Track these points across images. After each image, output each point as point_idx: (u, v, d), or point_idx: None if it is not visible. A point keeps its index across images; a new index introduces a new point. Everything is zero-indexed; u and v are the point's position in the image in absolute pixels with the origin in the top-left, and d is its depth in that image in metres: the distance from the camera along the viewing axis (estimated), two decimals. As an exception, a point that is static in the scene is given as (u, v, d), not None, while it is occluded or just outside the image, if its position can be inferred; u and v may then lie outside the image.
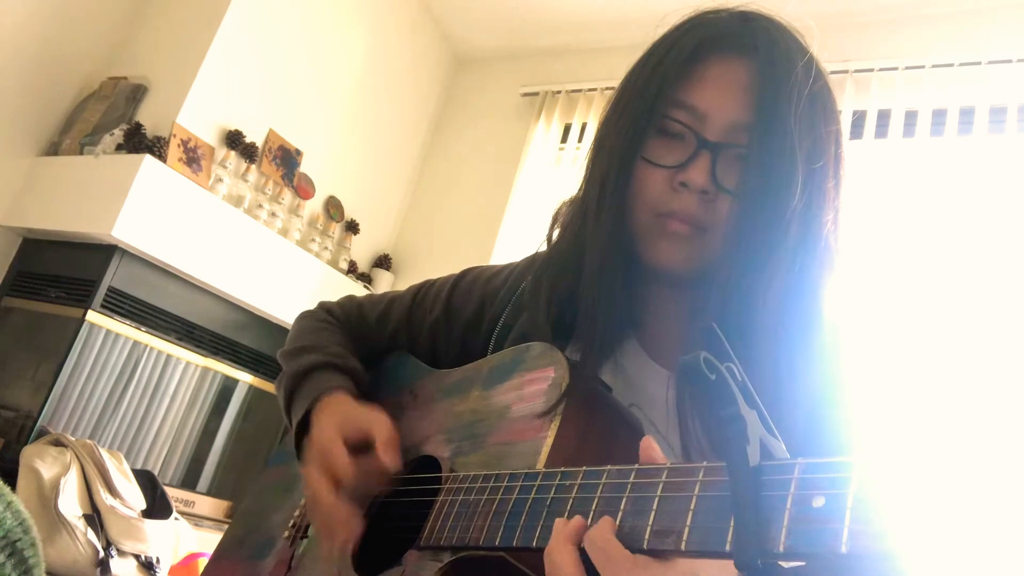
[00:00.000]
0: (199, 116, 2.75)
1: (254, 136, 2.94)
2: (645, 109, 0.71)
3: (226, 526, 1.00)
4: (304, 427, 0.83)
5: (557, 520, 0.50)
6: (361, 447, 0.75)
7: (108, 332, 2.57)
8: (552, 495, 0.53)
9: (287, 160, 3.11)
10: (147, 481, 2.40)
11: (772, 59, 0.69)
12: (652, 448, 0.50)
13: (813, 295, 0.70)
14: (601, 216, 0.72)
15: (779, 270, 0.67)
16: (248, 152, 2.89)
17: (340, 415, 0.79)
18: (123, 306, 2.60)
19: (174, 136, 2.63)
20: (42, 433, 2.37)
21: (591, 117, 3.33)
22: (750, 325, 0.66)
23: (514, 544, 0.53)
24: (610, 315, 0.72)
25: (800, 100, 0.68)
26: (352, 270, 3.40)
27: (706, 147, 0.68)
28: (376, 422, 0.76)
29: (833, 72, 2.82)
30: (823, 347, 0.69)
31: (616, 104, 0.76)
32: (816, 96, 0.70)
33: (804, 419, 0.65)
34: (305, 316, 1.01)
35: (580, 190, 0.79)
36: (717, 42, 0.71)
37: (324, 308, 1.01)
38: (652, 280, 0.76)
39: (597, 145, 0.77)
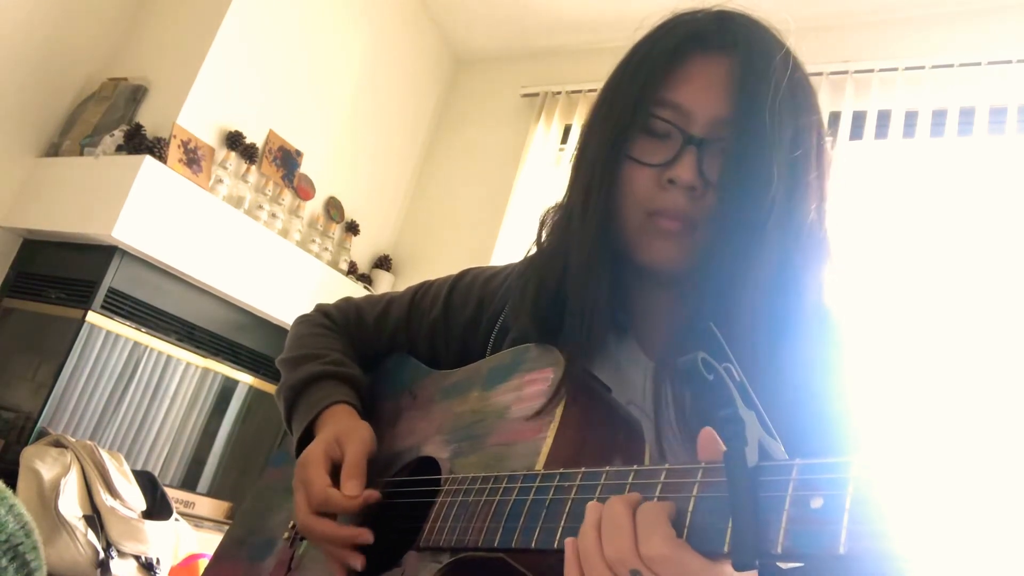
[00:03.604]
0: (199, 117, 2.75)
1: (254, 137, 2.94)
2: (629, 109, 0.72)
3: (226, 527, 1.00)
4: (307, 440, 0.84)
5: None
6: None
7: (108, 333, 2.57)
8: (551, 496, 0.53)
9: (287, 161, 3.11)
10: (147, 482, 2.40)
11: (751, 53, 0.70)
12: (714, 439, 0.46)
13: (798, 285, 0.70)
14: (587, 216, 0.73)
15: (759, 260, 0.67)
16: (248, 153, 2.90)
17: (331, 435, 0.79)
18: (123, 307, 2.60)
19: (174, 137, 2.63)
20: (42, 434, 2.37)
21: (591, 118, 3.32)
22: (733, 317, 0.65)
23: (513, 545, 0.54)
24: (597, 313, 0.72)
25: (778, 92, 0.68)
26: (352, 271, 3.40)
27: (692, 143, 0.69)
28: (353, 444, 0.76)
29: (833, 72, 2.82)
30: (814, 338, 0.69)
31: (599, 107, 0.77)
32: (795, 88, 0.70)
33: (790, 410, 0.65)
34: (302, 321, 1.00)
35: (566, 194, 0.79)
36: (697, 40, 0.72)
37: (322, 311, 1.01)
38: (645, 279, 0.76)
39: (582, 148, 0.78)
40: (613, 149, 0.72)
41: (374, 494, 0.73)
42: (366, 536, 0.70)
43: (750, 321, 0.66)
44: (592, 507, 0.48)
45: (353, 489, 0.73)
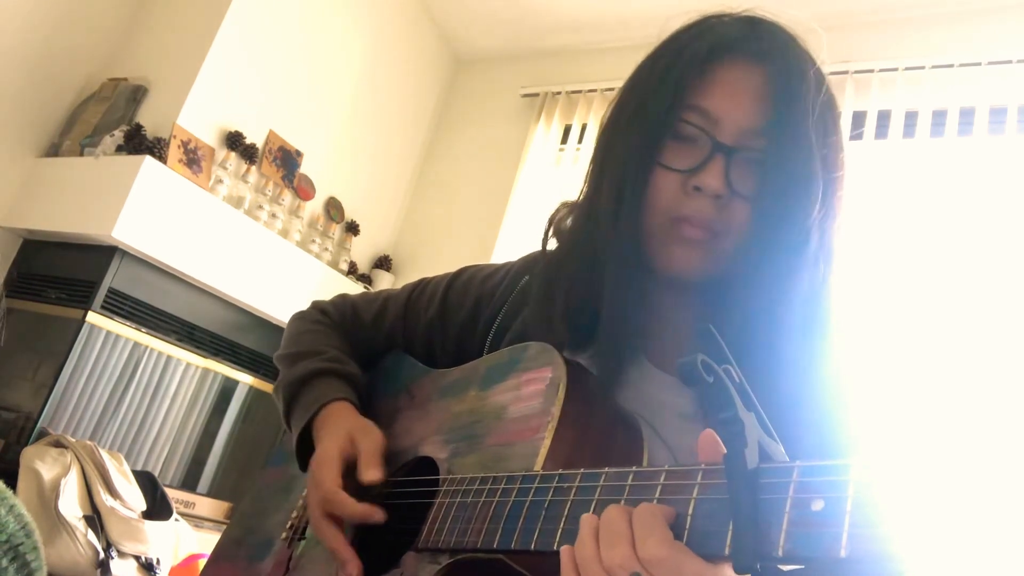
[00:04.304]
0: (199, 117, 2.75)
1: (254, 137, 2.94)
2: (661, 113, 0.70)
3: (226, 527, 1.00)
4: (305, 437, 0.83)
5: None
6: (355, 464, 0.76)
7: (108, 333, 2.57)
8: (550, 497, 0.53)
9: (287, 161, 3.11)
10: (147, 482, 2.40)
11: (787, 66, 0.70)
12: (715, 441, 0.46)
13: (829, 300, 0.70)
14: (619, 223, 0.71)
15: (800, 276, 0.67)
16: (248, 153, 2.89)
17: (344, 434, 0.78)
18: (123, 307, 2.59)
19: (174, 137, 2.63)
20: (42, 434, 2.37)
21: (591, 118, 3.32)
22: (771, 331, 0.65)
23: (512, 546, 0.53)
24: (632, 324, 0.72)
25: (815, 107, 0.68)
26: (352, 271, 3.40)
27: (721, 151, 0.68)
28: (364, 436, 0.77)
29: (833, 72, 2.79)
30: (835, 351, 0.69)
31: (624, 108, 0.76)
32: (826, 104, 0.70)
33: (819, 424, 0.65)
34: (299, 318, 1.00)
35: (585, 194, 0.78)
36: (728, 47, 0.71)
37: (318, 308, 1.00)
38: (662, 286, 0.76)
39: (606, 149, 0.76)
40: (644, 153, 0.71)
41: (379, 513, 0.72)
42: (354, 569, 0.70)
43: (785, 333, 0.66)
44: (587, 518, 0.48)
45: (375, 475, 0.73)
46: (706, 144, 0.69)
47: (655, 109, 0.71)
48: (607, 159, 0.76)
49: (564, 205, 0.81)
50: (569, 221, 0.80)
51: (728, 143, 0.68)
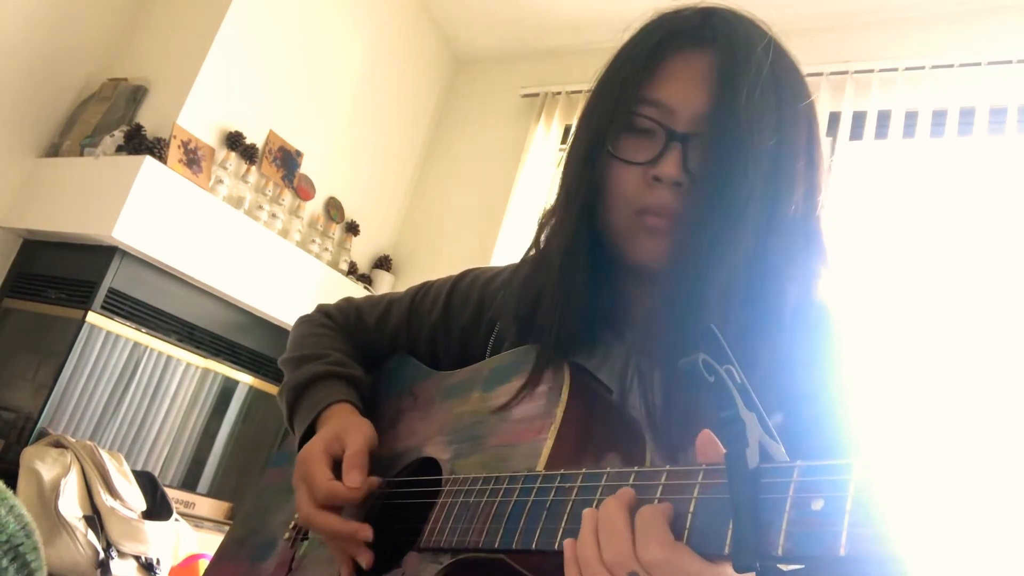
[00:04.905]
0: (199, 117, 2.75)
1: (254, 137, 2.94)
2: (610, 109, 0.73)
3: (226, 527, 1.00)
4: (308, 439, 0.84)
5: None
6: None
7: (108, 333, 2.57)
8: (552, 497, 0.53)
9: (287, 161, 3.11)
10: (147, 482, 2.40)
11: (730, 46, 0.70)
12: (713, 442, 0.47)
13: (778, 275, 0.68)
14: (568, 214, 0.73)
15: (732, 249, 0.65)
16: (248, 153, 2.90)
17: (332, 430, 0.79)
18: (123, 307, 2.60)
19: (174, 137, 2.63)
20: (42, 434, 2.37)
21: (591, 118, 3.33)
22: (704, 307, 0.64)
23: (514, 546, 0.54)
24: (571, 305, 0.73)
25: (758, 82, 0.67)
26: (352, 271, 3.40)
27: (675, 139, 0.69)
28: (353, 436, 0.77)
29: (833, 72, 2.82)
30: (802, 333, 0.67)
31: (585, 109, 0.78)
32: (778, 76, 0.70)
33: (774, 405, 0.64)
34: (304, 321, 1.01)
35: (555, 198, 0.80)
36: (676, 37, 0.72)
37: (322, 312, 1.01)
38: (642, 281, 0.76)
39: (569, 151, 0.78)
40: (594, 148, 0.72)
41: (375, 480, 0.73)
42: (367, 532, 0.70)
43: (723, 312, 0.64)
44: (588, 513, 0.48)
45: (355, 480, 0.73)
46: (661, 135, 0.69)
47: (606, 107, 0.73)
48: (567, 161, 0.78)
49: (548, 210, 0.82)
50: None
51: (682, 131, 0.69)
